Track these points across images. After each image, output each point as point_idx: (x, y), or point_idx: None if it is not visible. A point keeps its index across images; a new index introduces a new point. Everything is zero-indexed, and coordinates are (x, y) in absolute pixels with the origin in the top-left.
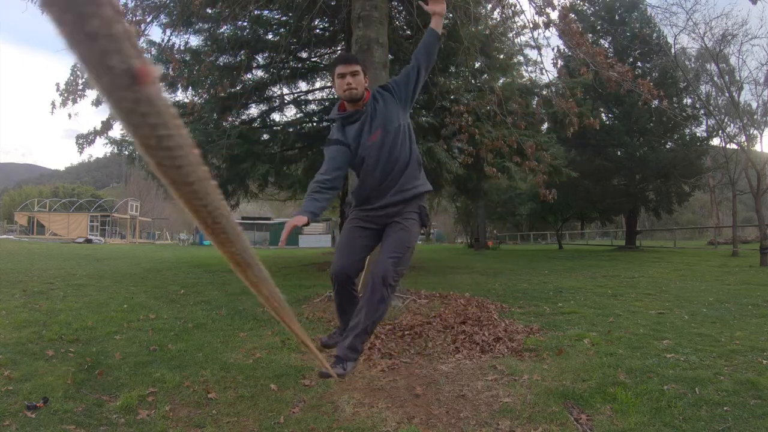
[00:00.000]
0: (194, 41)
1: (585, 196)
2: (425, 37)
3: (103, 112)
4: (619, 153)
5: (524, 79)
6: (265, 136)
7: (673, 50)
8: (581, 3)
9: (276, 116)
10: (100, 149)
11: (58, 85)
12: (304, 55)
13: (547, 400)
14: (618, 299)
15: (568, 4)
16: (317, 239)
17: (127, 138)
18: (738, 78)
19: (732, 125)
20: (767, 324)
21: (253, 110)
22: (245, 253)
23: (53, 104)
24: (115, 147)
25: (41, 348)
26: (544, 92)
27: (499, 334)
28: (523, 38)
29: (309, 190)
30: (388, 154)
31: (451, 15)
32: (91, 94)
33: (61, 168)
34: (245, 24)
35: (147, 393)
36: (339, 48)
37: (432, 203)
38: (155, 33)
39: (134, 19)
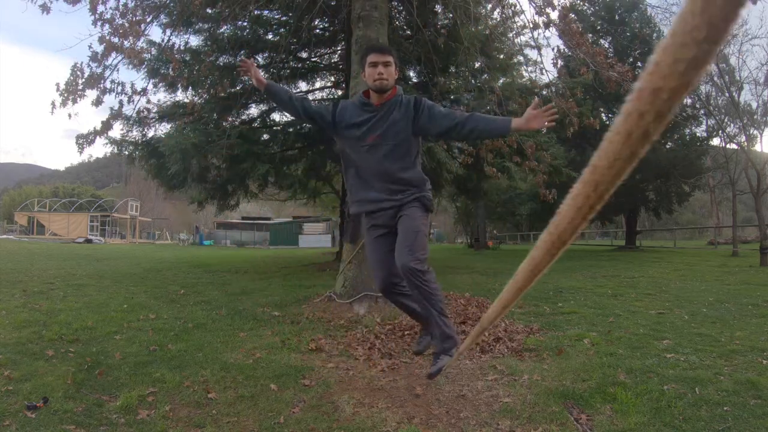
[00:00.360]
0: (194, 41)
1: None
2: (497, 123)
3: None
4: None
5: (524, 79)
6: (265, 136)
7: None
8: (581, 3)
9: (276, 116)
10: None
11: (58, 85)
12: (304, 55)
13: (547, 400)
14: (618, 299)
15: (568, 4)
16: (317, 239)
17: (127, 138)
18: (738, 78)
19: (732, 125)
20: (767, 324)
21: (253, 110)
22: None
23: (53, 104)
24: (115, 147)
25: (41, 348)
26: (544, 92)
27: (499, 334)
28: (523, 38)
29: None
30: (379, 161)
31: (451, 15)
32: (91, 94)
33: (61, 168)
34: (245, 24)
35: (147, 393)
36: (339, 48)
37: (433, 204)
38: (155, 33)
39: (134, 19)
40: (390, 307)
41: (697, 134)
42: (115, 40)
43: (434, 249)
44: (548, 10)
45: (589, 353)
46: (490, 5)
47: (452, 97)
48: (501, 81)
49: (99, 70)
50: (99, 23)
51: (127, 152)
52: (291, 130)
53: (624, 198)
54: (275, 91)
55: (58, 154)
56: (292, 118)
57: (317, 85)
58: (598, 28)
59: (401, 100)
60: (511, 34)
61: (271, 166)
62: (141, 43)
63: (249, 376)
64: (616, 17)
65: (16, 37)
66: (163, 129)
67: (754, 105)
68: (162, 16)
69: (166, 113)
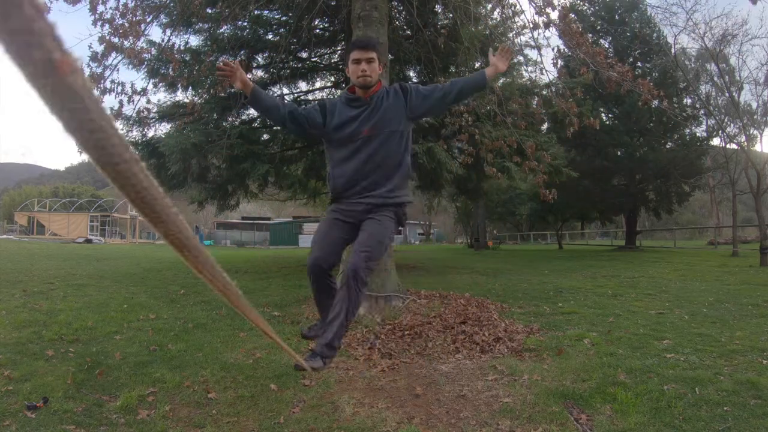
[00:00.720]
0: (194, 41)
1: (585, 196)
2: (474, 77)
3: None
4: (619, 153)
5: (524, 79)
6: (265, 136)
7: (673, 50)
8: (581, 3)
9: None
10: None
11: None
12: (304, 55)
13: (547, 400)
14: (618, 299)
15: (568, 4)
16: None
17: (127, 138)
18: (738, 78)
19: (732, 125)
20: (767, 324)
21: (253, 110)
22: (181, 234)
23: None
24: None
25: (41, 348)
26: (544, 92)
27: (499, 334)
28: (523, 38)
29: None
30: (373, 153)
31: (451, 15)
32: None
33: (61, 168)
34: (245, 24)
35: (147, 393)
36: (339, 48)
37: (432, 203)
38: (155, 33)
39: (134, 19)
40: (390, 307)
41: (697, 134)
42: (115, 40)
43: (434, 249)
44: (548, 10)
45: (589, 353)
46: (490, 5)
47: None
48: (501, 81)
49: (99, 70)
50: (99, 23)
51: None
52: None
53: (624, 198)
54: (261, 98)
55: (58, 154)
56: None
57: (317, 85)
58: (598, 28)
59: (387, 90)
60: (511, 34)
61: (271, 166)
62: (141, 43)
63: (249, 376)
64: (616, 17)
65: None
66: (163, 129)
67: (754, 105)
68: (162, 16)
69: (166, 113)
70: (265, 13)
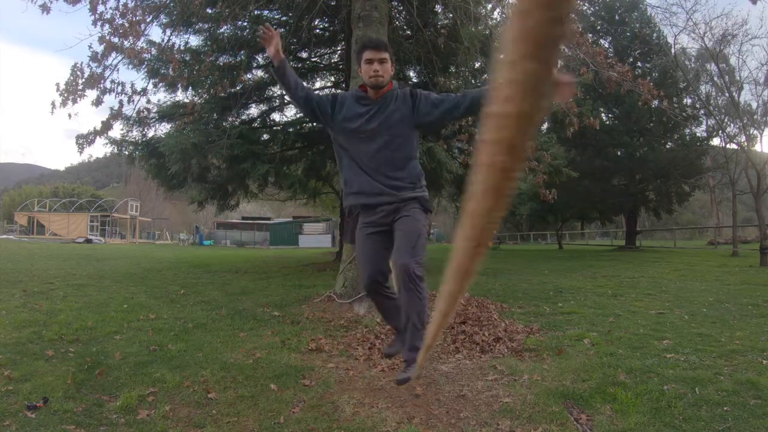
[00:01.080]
0: (194, 41)
1: (585, 196)
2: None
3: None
4: (619, 153)
5: None
6: (265, 136)
7: (673, 50)
8: (581, 3)
9: (276, 116)
10: (100, 149)
11: (58, 85)
12: (304, 55)
13: (547, 400)
14: (618, 299)
15: None
16: (317, 239)
17: (127, 138)
18: (738, 78)
19: (732, 125)
20: (767, 324)
21: (253, 110)
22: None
23: (53, 104)
24: (115, 147)
25: (41, 348)
26: None
27: (499, 334)
28: None
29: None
30: (378, 151)
31: (451, 15)
32: (91, 94)
33: (61, 168)
34: (245, 24)
35: (147, 393)
36: (339, 48)
37: (432, 203)
38: (155, 33)
39: (134, 19)
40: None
41: (697, 134)
42: (115, 40)
43: (434, 249)
44: None
45: (589, 353)
46: (490, 5)
47: None
48: None
49: (99, 70)
50: (99, 23)
51: (127, 152)
52: (291, 130)
53: (624, 198)
54: (287, 72)
55: (58, 154)
56: (292, 117)
57: (317, 84)
58: (598, 28)
59: (397, 93)
60: None
61: (271, 166)
62: (141, 43)
63: (249, 376)
64: (616, 17)
65: (16, 37)
66: (163, 129)
67: (754, 105)
68: (162, 16)
69: (166, 113)
70: (265, 13)
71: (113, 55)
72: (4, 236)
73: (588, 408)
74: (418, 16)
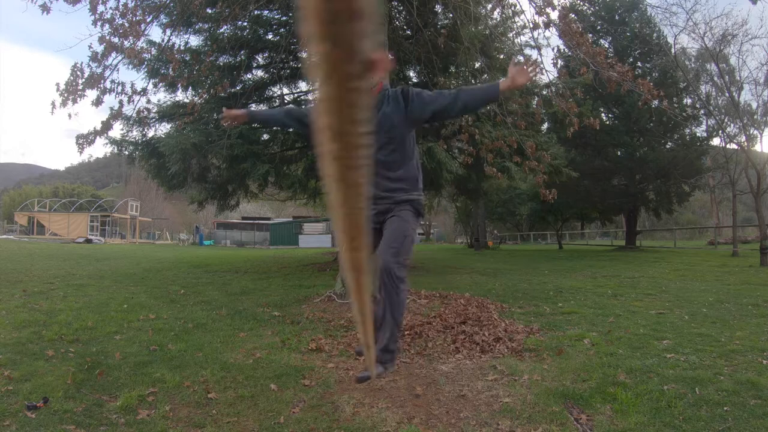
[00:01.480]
0: (194, 41)
1: (585, 196)
2: (486, 89)
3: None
4: (619, 153)
5: None
6: (265, 136)
7: (673, 50)
8: (581, 3)
9: None
10: (100, 149)
11: (58, 85)
12: (305, 54)
13: (547, 400)
14: (618, 299)
15: (568, 4)
16: (317, 239)
17: (127, 138)
18: (738, 78)
19: (732, 125)
20: (767, 324)
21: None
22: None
23: (53, 104)
24: (115, 147)
25: (41, 348)
26: (544, 92)
27: (499, 334)
28: (523, 38)
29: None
30: (372, 155)
31: (451, 15)
32: (91, 94)
33: (61, 168)
34: (245, 24)
35: (147, 393)
36: None
37: (432, 203)
38: (155, 33)
39: (134, 19)
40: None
41: (697, 134)
42: (115, 40)
43: (434, 249)
44: (548, 10)
45: (589, 353)
46: (490, 5)
47: None
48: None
49: (99, 70)
50: (99, 23)
51: (127, 152)
52: (291, 130)
53: (624, 198)
54: (257, 116)
55: (58, 154)
56: None
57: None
58: (598, 28)
59: (389, 93)
60: (511, 34)
61: (271, 166)
62: (141, 43)
63: (249, 376)
64: (616, 17)
65: (16, 37)
66: (163, 129)
67: (754, 105)
68: (162, 16)
69: (166, 113)
70: (265, 13)
71: (113, 55)
72: (4, 236)
73: (588, 408)
74: (418, 16)
